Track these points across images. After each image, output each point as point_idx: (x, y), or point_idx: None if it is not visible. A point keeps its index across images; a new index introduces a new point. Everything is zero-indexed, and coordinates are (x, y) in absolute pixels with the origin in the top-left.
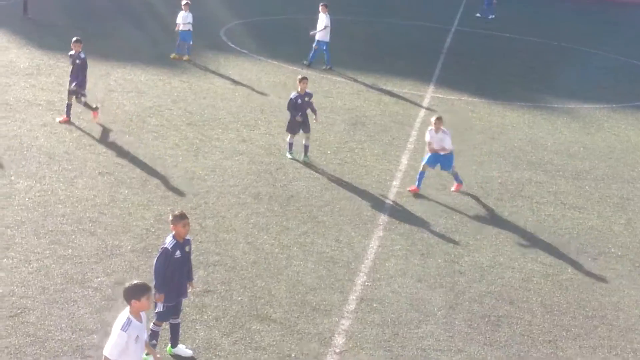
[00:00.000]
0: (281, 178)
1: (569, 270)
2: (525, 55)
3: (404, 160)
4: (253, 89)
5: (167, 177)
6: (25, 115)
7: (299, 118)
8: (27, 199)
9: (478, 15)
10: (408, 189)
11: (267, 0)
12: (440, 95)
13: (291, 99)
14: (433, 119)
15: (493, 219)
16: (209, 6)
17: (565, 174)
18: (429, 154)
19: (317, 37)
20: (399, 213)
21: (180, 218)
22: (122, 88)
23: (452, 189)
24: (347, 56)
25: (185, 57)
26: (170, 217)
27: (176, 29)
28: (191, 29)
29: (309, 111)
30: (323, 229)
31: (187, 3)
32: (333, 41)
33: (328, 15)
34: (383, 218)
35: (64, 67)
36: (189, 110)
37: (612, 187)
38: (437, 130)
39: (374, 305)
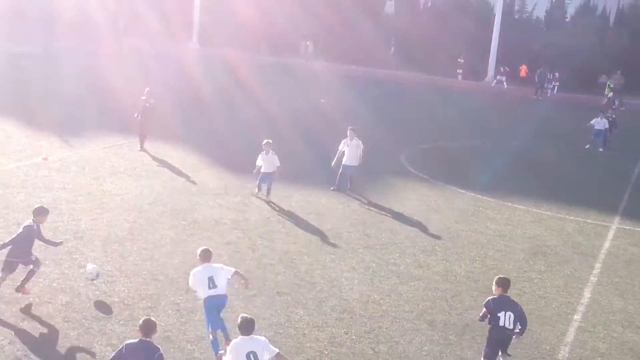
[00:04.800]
0: (457, 306)
1: None
2: None
3: (587, 293)
4: (431, 214)
5: (343, 300)
6: (212, 233)
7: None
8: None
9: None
10: None
11: (448, 127)
12: (627, 227)
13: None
14: None
15: None
16: (389, 132)
17: None
18: None
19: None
20: (580, 349)
21: None
22: (303, 209)
23: None
24: (530, 183)
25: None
26: None
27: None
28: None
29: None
30: None
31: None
32: (516, 169)
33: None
34: (563, 353)
35: (250, 188)
36: (367, 233)
37: None
38: None
39: None
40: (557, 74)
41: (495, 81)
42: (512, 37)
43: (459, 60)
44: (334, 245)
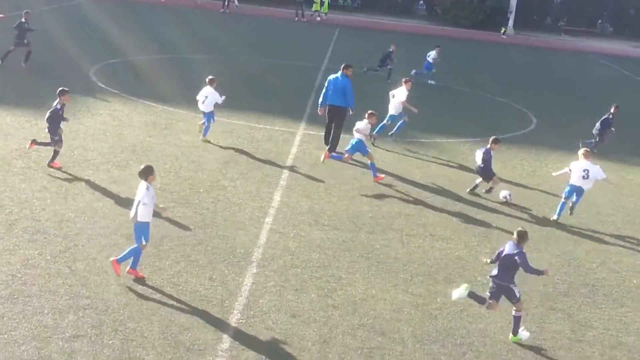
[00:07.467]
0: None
1: (438, 300)
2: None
3: (277, 197)
4: (124, 129)
5: (35, 221)
6: None
7: None
8: None
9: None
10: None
11: (137, 40)
12: (311, 132)
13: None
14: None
15: (365, 252)
16: (77, 46)
17: (433, 207)
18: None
19: None
20: (272, 250)
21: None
22: None
23: None
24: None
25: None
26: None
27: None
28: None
29: None
30: (197, 268)
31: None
32: (203, 81)
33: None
34: (256, 255)
35: None
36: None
37: (476, 217)
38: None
39: (248, 342)
40: None
41: None
42: None
43: None
44: (22, 166)
